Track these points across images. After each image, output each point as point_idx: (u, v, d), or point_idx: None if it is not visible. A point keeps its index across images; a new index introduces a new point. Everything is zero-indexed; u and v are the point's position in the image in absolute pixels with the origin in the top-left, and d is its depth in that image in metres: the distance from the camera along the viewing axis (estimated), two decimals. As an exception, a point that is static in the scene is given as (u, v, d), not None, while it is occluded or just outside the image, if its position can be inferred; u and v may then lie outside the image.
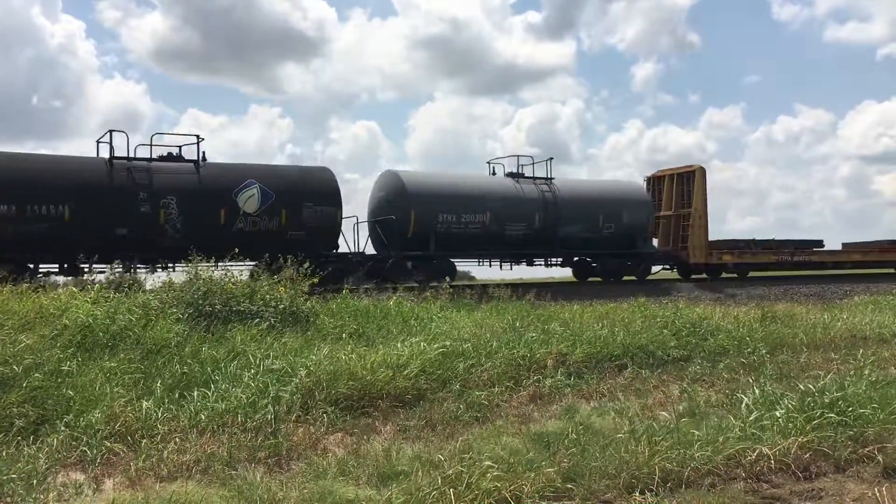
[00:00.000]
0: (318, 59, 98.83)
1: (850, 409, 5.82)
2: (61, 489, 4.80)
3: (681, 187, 23.94)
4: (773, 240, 25.22)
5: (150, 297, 9.83)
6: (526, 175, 21.02)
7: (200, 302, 9.61)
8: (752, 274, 24.59)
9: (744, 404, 6.24)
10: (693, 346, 10.06)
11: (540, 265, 21.89)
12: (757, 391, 6.67)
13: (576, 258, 22.20)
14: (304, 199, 17.19)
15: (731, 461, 5.05)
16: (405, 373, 7.45)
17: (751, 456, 5.07)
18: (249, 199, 16.56)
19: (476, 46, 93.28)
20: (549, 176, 21.08)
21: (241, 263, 15.46)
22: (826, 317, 13.05)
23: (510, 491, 4.43)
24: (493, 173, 21.13)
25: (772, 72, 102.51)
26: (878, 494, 4.61)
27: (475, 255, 20.24)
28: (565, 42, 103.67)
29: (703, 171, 23.63)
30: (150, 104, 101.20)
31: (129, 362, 7.28)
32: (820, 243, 26.13)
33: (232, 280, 10.44)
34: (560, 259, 21.76)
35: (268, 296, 10.19)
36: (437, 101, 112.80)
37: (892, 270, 27.98)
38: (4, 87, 73.26)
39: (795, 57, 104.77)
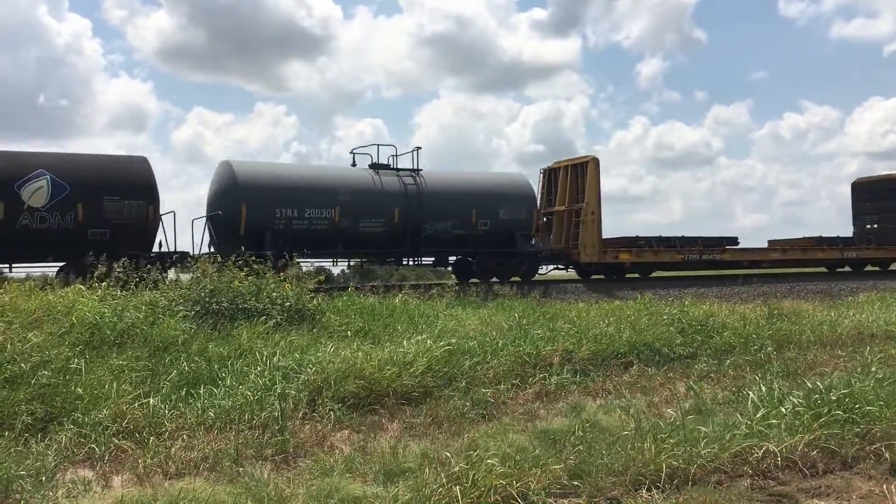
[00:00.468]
0: (324, 56, 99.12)
1: (857, 406, 5.81)
2: (70, 486, 4.82)
3: (575, 180, 21.98)
4: (678, 237, 23.66)
5: (158, 296, 9.86)
6: (390, 166, 19.03)
7: (207, 300, 9.64)
8: (657, 274, 23.15)
9: (750, 401, 6.22)
10: (699, 343, 10.05)
11: (408, 264, 19.91)
12: (763, 388, 6.66)
13: (452, 258, 20.16)
14: (106, 192, 14.90)
15: (737, 458, 5.05)
16: (411, 370, 7.46)
17: (757, 453, 5.06)
18: (36, 192, 14.30)
19: (481, 44, 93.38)
20: (415, 167, 19.15)
21: (34, 265, 14.19)
22: (833, 314, 13.02)
23: (516, 488, 4.43)
24: (355, 164, 19.17)
25: (778, 68, 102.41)
26: (885, 491, 4.61)
27: (325, 254, 18.41)
28: (571, 39, 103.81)
29: (596, 162, 21.70)
30: (156, 103, 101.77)
31: (137, 360, 7.30)
32: (734, 241, 24.66)
33: (238, 278, 10.47)
34: (432, 259, 19.73)
35: (274, 294, 10.23)
36: (443, 99, 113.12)
37: (822, 270, 26.66)
38: (11, 86, 73.64)
39: (802, 53, 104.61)
